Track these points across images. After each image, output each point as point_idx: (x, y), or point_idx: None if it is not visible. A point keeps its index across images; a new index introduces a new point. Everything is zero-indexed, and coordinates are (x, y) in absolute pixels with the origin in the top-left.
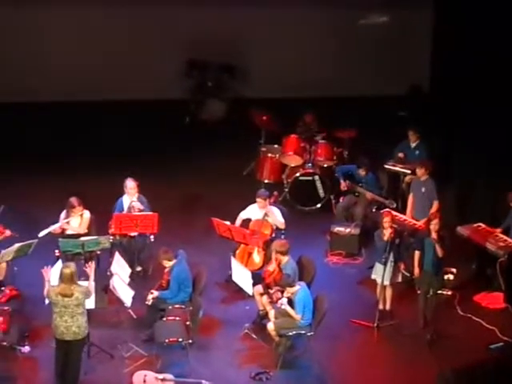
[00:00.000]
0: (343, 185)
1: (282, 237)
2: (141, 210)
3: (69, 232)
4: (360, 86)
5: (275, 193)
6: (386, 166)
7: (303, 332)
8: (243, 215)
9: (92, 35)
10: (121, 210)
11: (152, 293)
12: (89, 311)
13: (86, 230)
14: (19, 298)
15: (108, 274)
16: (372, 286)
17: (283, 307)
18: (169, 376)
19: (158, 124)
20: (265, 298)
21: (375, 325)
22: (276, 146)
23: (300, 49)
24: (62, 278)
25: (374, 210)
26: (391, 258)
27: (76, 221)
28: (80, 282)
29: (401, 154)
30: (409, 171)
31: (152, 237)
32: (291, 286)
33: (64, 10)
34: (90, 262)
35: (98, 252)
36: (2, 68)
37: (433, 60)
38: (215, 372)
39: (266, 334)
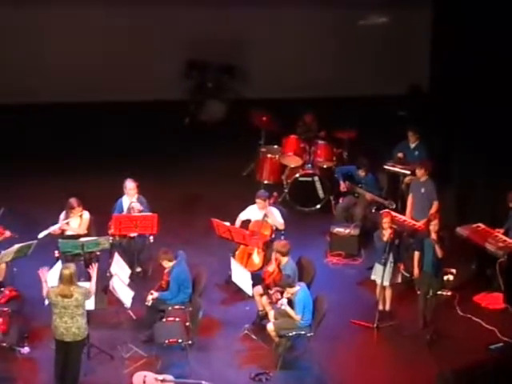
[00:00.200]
0: (343, 186)
1: (282, 238)
2: (140, 211)
3: (68, 233)
4: (360, 86)
5: (275, 193)
6: (386, 167)
7: (303, 333)
8: (243, 216)
9: (92, 35)
10: (120, 211)
11: (152, 293)
12: (88, 312)
13: (86, 231)
14: (19, 298)
15: (108, 274)
16: (372, 287)
17: (283, 308)
18: (169, 377)
19: (157, 125)
20: (264, 298)
21: (375, 325)
22: (276, 146)
23: (300, 49)
24: (61, 279)
25: (373, 211)
26: (391, 258)
27: (76, 222)
28: (81, 283)
29: (400, 155)
30: (408, 172)
31: (151, 237)
32: (291, 286)
33: (64, 10)
34: (93, 264)
35: (98, 253)
36: (1, 68)
37: (432, 60)
38: (215, 373)
39: (266, 335)
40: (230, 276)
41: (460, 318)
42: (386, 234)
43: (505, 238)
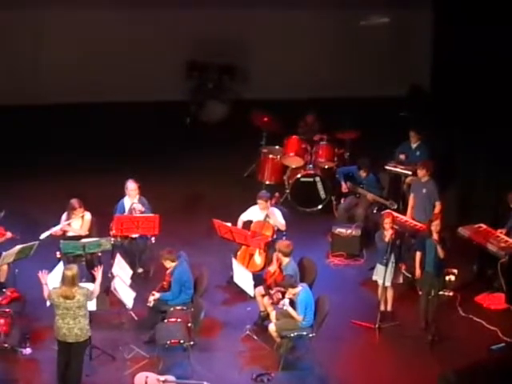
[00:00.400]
0: (344, 186)
1: (284, 238)
2: (142, 212)
3: (70, 234)
4: (361, 86)
5: (276, 194)
6: (387, 167)
7: (305, 333)
8: (244, 217)
9: (92, 36)
10: (122, 212)
11: (153, 294)
12: (90, 313)
13: (87, 232)
14: (20, 300)
15: (109, 275)
16: (373, 287)
17: (285, 308)
18: (170, 378)
19: (158, 125)
20: (266, 299)
21: (376, 326)
22: (277, 147)
23: (300, 50)
24: (64, 280)
25: (375, 211)
26: (392, 259)
27: (77, 223)
28: (82, 284)
29: (402, 155)
30: (410, 172)
31: (153, 238)
32: (293, 286)
33: (64, 10)
34: (98, 266)
35: (100, 254)
36: (1, 70)
37: (433, 60)
38: (217, 373)
39: (268, 336)
40: (232, 277)
41: (462, 318)
42: (388, 234)
43: (506, 238)
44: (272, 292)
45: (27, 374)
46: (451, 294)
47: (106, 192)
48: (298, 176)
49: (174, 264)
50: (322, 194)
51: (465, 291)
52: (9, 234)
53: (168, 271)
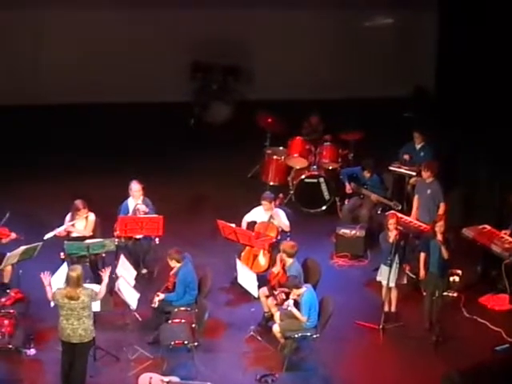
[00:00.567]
0: (348, 187)
1: (288, 239)
2: (146, 213)
3: (74, 235)
4: (365, 87)
5: (280, 195)
6: (391, 168)
7: (309, 334)
8: (248, 218)
9: (95, 37)
10: (126, 213)
11: (158, 295)
12: (94, 314)
13: (92, 233)
14: (24, 300)
15: (113, 276)
16: (377, 288)
17: (289, 309)
18: (174, 378)
19: (162, 127)
20: (270, 300)
21: (381, 327)
22: (281, 148)
23: (305, 50)
24: (68, 281)
25: (379, 212)
26: (396, 259)
27: (81, 223)
28: (86, 285)
29: (406, 156)
30: (414, 173)
31: (157, 239)
32: (298, 287)
33: (67, 11)
34: (105, 268)
35: (104, 255)
36: (1, 70)
37: (438, 61)
38: (221, 374)
39: (272, 336)
40: (236, 277)
41: (466, 319)
42: (392, 235)
43: (511, 239)
44: (276, 293)
45: (31, 374)
46: (455, 294)
47: (109, 193)
48: (302, 177)
49: (179, 265)
50: (326, 195)
51: (469, 292)
52: (13, 235)
53: (172, 272)
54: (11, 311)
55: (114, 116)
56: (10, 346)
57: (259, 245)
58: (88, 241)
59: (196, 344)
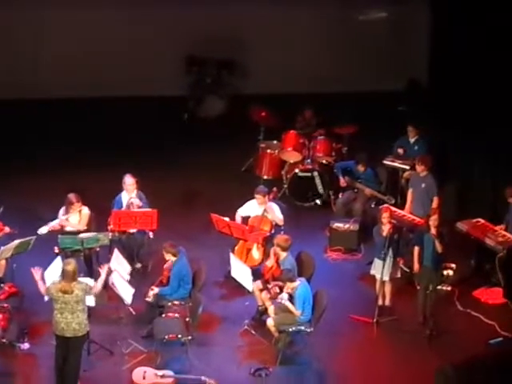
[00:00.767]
0: (342, 181)
1: (282, 233)
2: (140, 207)
3: (68, 229)
4: (358, 81)
5: (274, 189)
6: (385, 162)
7: (303, 328)
8: (242, 212)
9: (91, 31)
10: (120, 207)
11: (152, 289)
12: (89, 308)
13: (85, 227)
14: (18, 294)
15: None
16: (371, 282)
17: (283, 302)
18: (168, 372)
19: (156, 121)
20: (264, 293)
21: (375, 320)
22: (275, 141)
23: (298, 45)
24: (63, 275)
25: (373, 206)
26: (390, 253)
27: (75, 217)
28: (81, 279)
29: (400, 150)
30: (408, 167)
31: (151, 233)
32: (292, 280)
33: (64, 9)
34: (104, 263)
35: (98, 249)
36: (1, 65)
37: (431, 54)
38: (215, 368)
39: (266, 330)
40: (230, 271)
41: (459, 312)
42: (386, 228)
43: (504, 232)
44: (270, 286)
45: (25, 368)
46: (449, 288)
47: (103, 187)
48: (296, 171)
49: (174, 258)
50: (320, 189)
51: (463, 286)
52: (7, 229)
53: (166, 265)
54: (5, 305)
55: (109, 110)
56: (4, 340)
57: (253, 238)
58: (82, 235)
59: (190, 338)
